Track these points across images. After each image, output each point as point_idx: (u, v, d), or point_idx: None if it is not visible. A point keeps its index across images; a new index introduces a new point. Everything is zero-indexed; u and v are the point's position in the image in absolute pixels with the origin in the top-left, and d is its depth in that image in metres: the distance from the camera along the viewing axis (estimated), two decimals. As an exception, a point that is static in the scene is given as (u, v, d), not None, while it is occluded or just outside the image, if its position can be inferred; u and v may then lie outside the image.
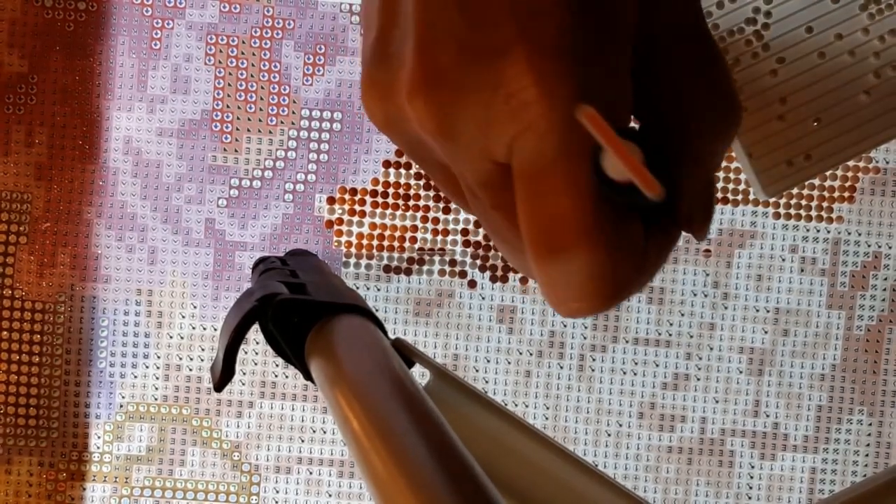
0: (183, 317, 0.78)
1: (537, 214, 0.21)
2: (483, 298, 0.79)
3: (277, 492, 0.79)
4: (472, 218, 0.78)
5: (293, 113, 0.78)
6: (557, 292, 0.22)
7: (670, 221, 0.23)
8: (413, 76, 0.21)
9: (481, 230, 0.79)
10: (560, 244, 0.21)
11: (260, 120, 0.78)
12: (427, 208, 0.78)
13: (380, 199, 0.78)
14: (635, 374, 0.80)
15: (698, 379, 0.80)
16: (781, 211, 0.79)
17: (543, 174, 0.20)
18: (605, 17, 0.20)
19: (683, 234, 0.24)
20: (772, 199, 0.78)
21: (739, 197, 0.79)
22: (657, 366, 0.80)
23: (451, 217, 0.78)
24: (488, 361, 0.79)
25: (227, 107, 0.77)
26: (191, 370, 0.79)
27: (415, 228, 0.78)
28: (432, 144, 0.22)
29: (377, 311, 0.78)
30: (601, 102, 0.19)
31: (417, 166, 0.77)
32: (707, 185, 0.24)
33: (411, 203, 0.78)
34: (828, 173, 0.78)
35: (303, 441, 0.79)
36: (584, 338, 0.79)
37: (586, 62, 0.20)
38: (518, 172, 0.21)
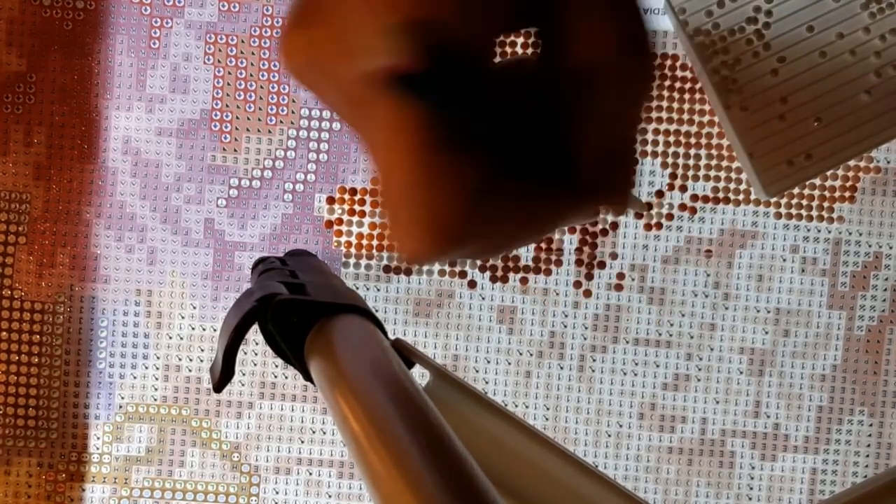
0: (182, 317, 0.78)
1: (371, 143, 0.21)
2: (483, 298, 0.79)
3: (277, 493, 0.79)
4: (472, 218, 0.78)
5: (293, 112, 0.77)
6: (392, 227, 0.22)
7: (568, 185, 0.22)
8: (292, 16, 0.22)
9: (481, 230, 0.78)
10: (389, 170, 0.21)
11: (259, 119, 0.77)
12: (427, 208, 0.78)
13: (380, 199, 0.78)
14: (636, 374, 0.80)
15: (699, 379, 0.80)
16: (782, 211, 0.79)
17: (372, 101, 0.21)
18: None
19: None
20: (773, 199, 0.78)
21: (741, 197, 0.79)
22: (657, 366, 0.79)
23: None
24: (488, 362, 0.79)
25: (227, 106, 0.77)
26: (190, 371, 0.78)
27: (415, 228, 0.78)
28: (307, 83, 0.23)
29: (377, 311, 0.78)
30: (436, 25, 0.19)
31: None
32: (616, 150, 0.22)
33: (411, 203, 0.78)
34: (828, 173, 0.77)
35: (302, 442, 0.79)
36: (585, 338, 0.79)
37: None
38: (357, 104, 0.22)
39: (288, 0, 0.24)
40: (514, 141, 0.21)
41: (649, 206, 0.75)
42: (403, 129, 0.20)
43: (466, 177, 0.20)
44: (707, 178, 0.78)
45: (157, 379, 0.78)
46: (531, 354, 0.79)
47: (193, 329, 0.78)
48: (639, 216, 0.76)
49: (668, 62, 0.76)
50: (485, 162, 0.21)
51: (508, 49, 0.75)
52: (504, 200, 0.21)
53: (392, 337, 0.44)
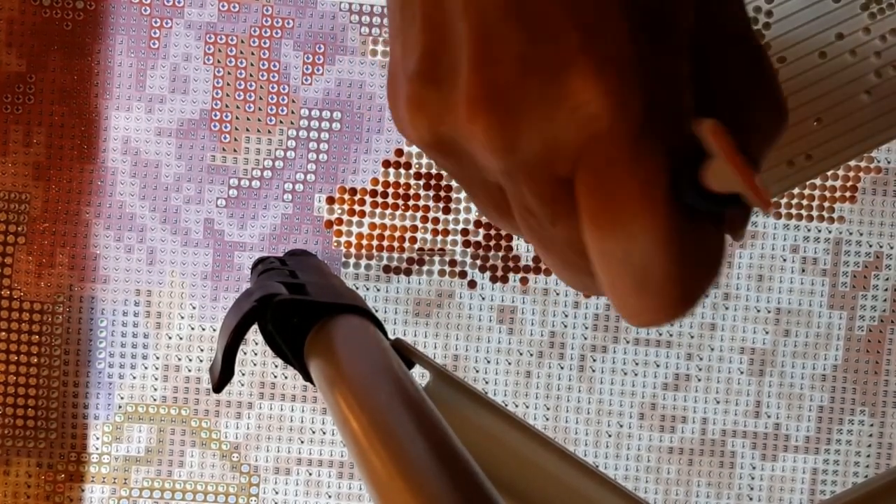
0: (182, 317, 0.78)
1: (602, 224, 0.20)
2: (483, 299, 0.79)
3: (277, 493, 0.79)
4: (471, 218, 0.78)
5: (292, 113, 0.77)
6: (631, 304, 0.21)
7: (716, 224, 0.23)
8: (473, 95, 0.20)
9: (481, 230, 0.78)
10: (631, 253, 0.20)
11: (259, 120, 0.77)
12: (427, 208, 0.78)
13: (379, 199, 0.78)
14: (636, 374, 0.79)
15: (699, 379, 0.80)
16: (783, 211, 0.79)
17: (614, 182, 0.20)
18: (665, 24, 0.20)
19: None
20: (773, 200, 0.78)
21: (740, 197, 0.79)
22: (658, 366, 0.79)
23: (451, 217, 0.78)
24: (488, 362, 0.79)
25: (226, 106, 0.77)
26: (190, 371, 0.78)
27: (415, 228, 0.78)
28: (488, 163, 0.22)
29: (377, 311, 0.78)
30: (666, 109, 0.20)
31: (455, 183, 0.77)
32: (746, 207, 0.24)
33: (411, 203, 0.78)
34: (829, 173, 0.77)
35: (302, 442, 0.79)
36: (585, 338, 0.79)
37: (650, 70, 0.20)
38: (585, 185, 0.21)
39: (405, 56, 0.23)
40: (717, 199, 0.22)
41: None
42: (660, 207, 0.20)
43: (714, 249, 0.21)
44: (707, 178, 0.78)
45: (156, 379, 0.78)
46: (531, 354, 0.79)
47: (193, 329, 0.78)
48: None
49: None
50: (716, 227, 0.22)
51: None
52: (715, 254, 0.22)
53: (392, 337, 0.44)
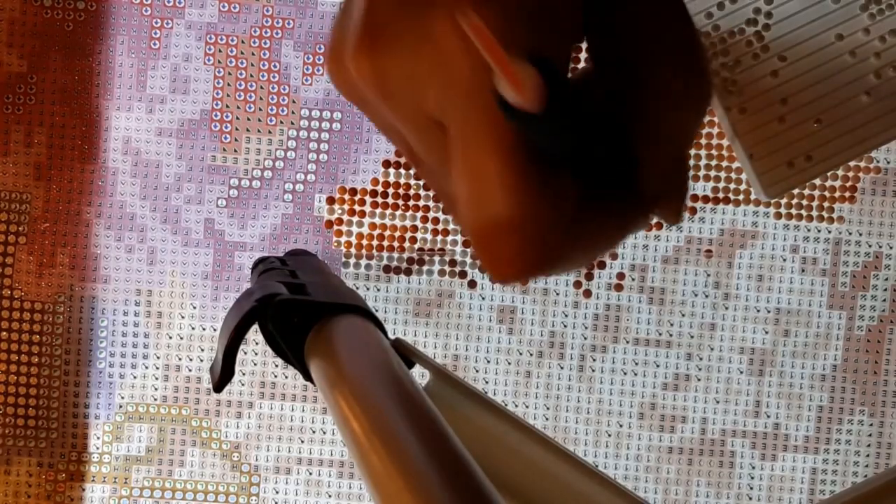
0: (182, 317, 0.78)
1: (464, 169, 0.21)
2: (483, 299, 0.79)
3: (277, 492, 0.79)
4: (472, 218, 0.78)
5: (293, 113, 0.78)
6: (485, 252, 0.22)
7: (633, 198, 0.23)
8: (356, 36, 0.21)
9: (481, 230, 0.78)
10: (483, 197, 0.21)
11: (259, 120, 0.77)
12: (427, 208, 0.78)
13: (380, 199, 0.78)
14: (636, 374, 0.80)
15: (699, 379, 0.80)
16: (782, 211, 0.79)
17: (468, 127, 0.20)
18: None
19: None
20: (773, 200, 0.78)
21: (741, 197, 0.79)
22: (658, 366, 0.79)
23: (451, 217, 0.78)
24: (488, 362, 0.79)
25: (227, 107, 0.77)
26: (190, 371, 0.79)
27: (415, 228, 0.78)
28: (378, 105, 0.22)
29: (377, 311, 0.78)
30: (529, 49, 0.19)
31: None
32: (676, 162, 0.23)
33: (411, 203, 0.78)
34: (828, 173, 0.77)
35: (302, 441, 0.79)
36: (585, 338, 0.79)
37: (514, 12, 0.20)
38: (448, 128, 0.21)
39: (336, 18, 0.23)
40: (591, 158, 0.21)
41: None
42: (505, 153, 0.20)
43: (564, 198, 0.21)
44: (707, 178, 0.79)
45: (157, 379, 0.78)
46: (531, 354, 0.79)
47: (193, 329, 0.78)
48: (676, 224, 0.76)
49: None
50: (573, 182, 0.21)
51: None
52: (587, 219, 0.22)
53: (392, 337, 0.44)
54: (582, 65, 0.22)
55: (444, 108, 0.21)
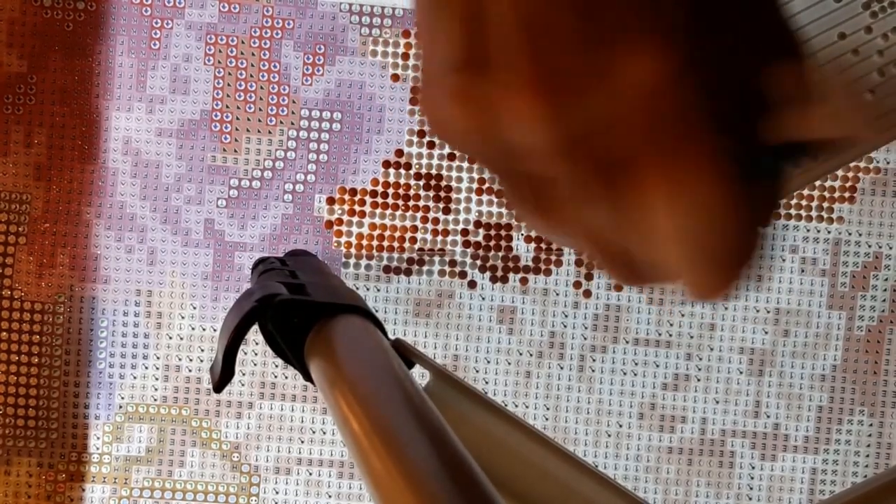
0: (182, 317, 0.78)
1: (671, 203, 0.20)
2: (483, 299, 0.79)
3: (277, 492, 0.79)
4: (471, 218, 0.78)
5: (293, 113, 0.78)
6: (703, 278, 0.22)
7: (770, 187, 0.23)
8: (530, 81, 0.20)
9: (481, 230, 0.78)
10: (700, 227, 0.21)
11: (259, 120, 0.77)
12: (427, 209, 0.78)
13: (380, 200, 0.78)
14: (635, 374, 0.80)
15: (698, 379, 0.80)
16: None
17: (676, 161, 0.20)
18: (722, 3, 0.20)
19: None
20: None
21: (740, 197, 0.79)
22: (657, 366, 0.79)
23: (451, 217, 0.78)
24: (488, 362, 0.79)
25: (227, 107, 0.77)
26: (190, 371, 0.79)
27: (415, 229, 0.78)
28: (535, 145, 0.21)
29: (377, 311, 0.78)
30: (728, 90, 0.20)
31: (455, 184, 0.77)
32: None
33: (411, 203, 0.78)
34: (828, 174, 0.77)
35: (302, 442, 0.79)
36: (585, 338, 0.79)
37: (711, 50, 0.20)
38: (651, 169, 0.20)
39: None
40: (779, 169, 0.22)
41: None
42: (727, 180, 0.20)
43: (765, 213, 0.22)
44: (707, 178, 0.78)
45: (157, 379, 0.78)
46: (531, 354, 0.79)
47: (193, 329, 0.78)
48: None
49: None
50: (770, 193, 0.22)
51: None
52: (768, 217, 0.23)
53: (392, 337, 0.44)
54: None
55: (637, 145, 0.20)
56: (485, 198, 0.78)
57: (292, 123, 0.78)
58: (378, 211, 0.78)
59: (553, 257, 0.79)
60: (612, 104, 0.20)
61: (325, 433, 0.79)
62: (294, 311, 0.46)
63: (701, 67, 0.20)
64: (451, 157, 0.78)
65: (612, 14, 0.19)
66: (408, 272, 0.79)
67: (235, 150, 0.78)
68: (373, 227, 0.78)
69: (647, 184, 0.21)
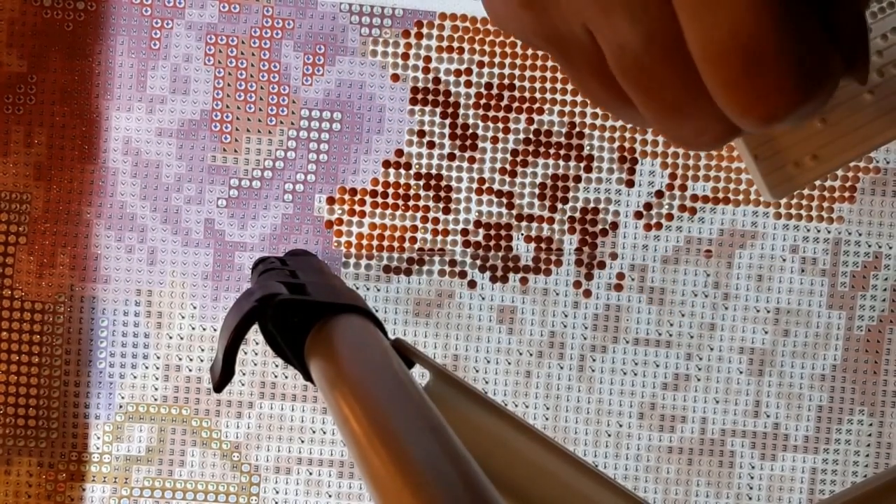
0: (182, 317, 0.78)
1: (713, 19, 0.20)
2: (483, 299, 0.79)
3: (277, 492, 0.79)
4: (471, 218, 0.78)
5: (293, 113, 0.78)
6: (738, 83, 0.20)
7: (837, 53, 0.22)
8: None
9: (481, 230, 0.78)
10: (743, 43, 0.20)
11: (259, 120, 0.77)
12: (427, 208, 0.78)
13: (380, 200, 0.78)
14: (635, 374, 0.80)
15: (699, 379, 0.80)
16: (782, 211, 0.79)
17: None
18: None
19: None
20: (776, 201, 0.78)
21: (740, 197, 0.79)
22: (657, 366, 0.79)
23: (451, 217, 0.78)
24: (488, 362, 0.79)
25: (227, 107, 0.77)
26: (190, 371, 0.79)
27: (415, 228, 0.78)
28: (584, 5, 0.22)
29: (377, 311, 0.78)
30: None
31: (455, 183, 0.77)
32: (859, 16, 0.23)
33: (411, 203, 0.78)
34: (829, 174, 0.77)
35: (302, 441, 0.79)
36: (585, 338, 0.79)
37: None
38: None
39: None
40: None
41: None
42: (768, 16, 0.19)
43: (812, 24, 0.20)
44: (707, 178, 0.79)
45: (157, 379, 0.78)
46: (531, 354, 0.79)
47: (193, 329, 0.78)
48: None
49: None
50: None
51: None
52: (821, 59, 0.21)
53: (392, 337, 0.44)
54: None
55: None
56: (485, 198, 0.78)
57: (292, 123, 0.78)
58: (378, 211, 0.78)
59: (553, 257, 0.79)
60: None
61: (325, 433, 0.79)
62: (294, 310, 0.46)
63: None
64: (451, 157, 0.78)
65: None
66: (408, 272, 0.79)
67: (235, 150, 0.78)
68: (373, 226, 0.78)
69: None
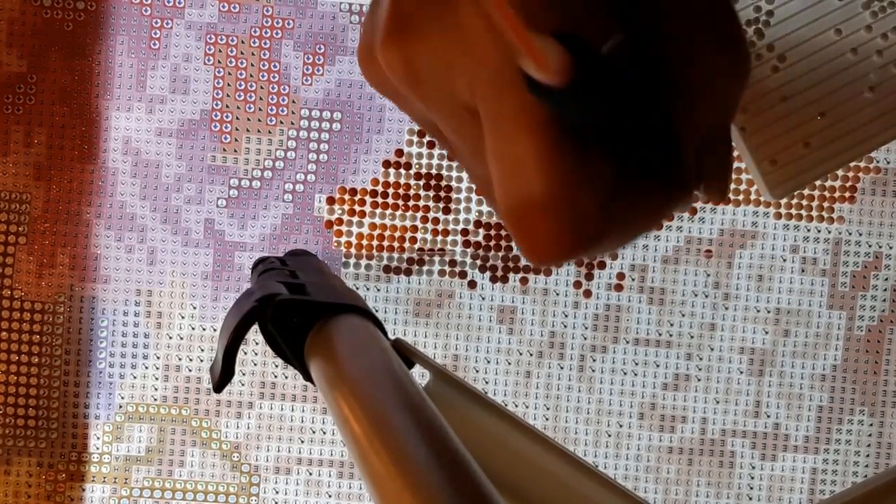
0: (182, 317, 0.78)
1: (496, 149, 0.21)
2: (483, 299, 0.79)
3: (277, 492, 0.79)
4: (471, 218, 0.78)
5: (293, 113, 0.78)
6: (522, 233, 0.21)
7: (675, 175, 0.22)
8: (384, 27, 0.22)
9: (481, 230, 0.78)
10: (518, 177, 0.20)
11: (259, 120, 0.77)
12: (427, 208, 0.78)
13: (379, 200, 0.78)
14: (636, 374, 0.80)
15: (699, 379, 0.80)
16: (782, 211, 0.79)
17: (499, 109, 0.20)
18: None
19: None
20: (777, 201, 0.78)
21: (741, 197, 0.79)
22: (658, 366, 0.79)
23: (451, 217, 0.78)
24: (488, 362, 0.79)
25: (227, 107, 0.77)
26: (190, 371, 0.78)
27: (415, 229, 0.78)
28: (409, 95, 0.22)
29: (377, 311, 0.78)
30: (558, 26, 0.20)
31: (454, 183, 0.77)
32: (718, 134, 0.23)
33: (411, 203, 0.78)
34: (829, 174, 0.77)
35: (302, 442, 0.79)
36: (585, 338, 0.79)
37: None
38: (480, 111, 0.21)
39: (366, 15, 0.23)
40: (626, 133, 0.21)
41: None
42: (538, 131, 0.20)
43: (600, 176, 0.21)
44: (707, 178, 0.78)
45: (157, 379, 0.78)
46: (531, 354, 0.79)
47: (193, 329, 0.78)
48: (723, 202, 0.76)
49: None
50: (609, 159, 0.21)
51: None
52: (626, 198, 0.22)
53: (392, 337, 0.44)
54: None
55: (474, 90, 0.21)
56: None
57: (292, 123, 0.78)
58: (378, 211, 0.78)
59: (553, 257, 0.79)
60: (447, 52, 0.21)
61: (325, 433, 0.79)
62: (294, 310, 0.46)
63: (535, 20, 0.20)
64: (451, 157, 0.78)
65: None
66: (408, 272, 0.79)
67: (235, 150, 0.78)
68: (373, 226, 0.78)
69: (483, 127, 0.21)
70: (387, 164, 0.78)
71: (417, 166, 0.78)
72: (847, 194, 0.79)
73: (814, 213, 0.79)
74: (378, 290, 0.79)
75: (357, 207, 0.78)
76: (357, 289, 0.78)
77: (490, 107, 0.21)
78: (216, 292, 0.78)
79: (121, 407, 0.79)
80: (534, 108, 0.20)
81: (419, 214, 0.78)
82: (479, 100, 0.21)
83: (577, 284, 0.79)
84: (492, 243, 0.79)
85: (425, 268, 0.79)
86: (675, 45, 0.21)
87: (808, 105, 0.42)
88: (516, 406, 0.80)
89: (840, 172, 0.79)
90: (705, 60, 0.22)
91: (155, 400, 0.79)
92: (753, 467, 0.80)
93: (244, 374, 0.79)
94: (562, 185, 0.20)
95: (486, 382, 0.79)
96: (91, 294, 0.78)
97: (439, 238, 0.78)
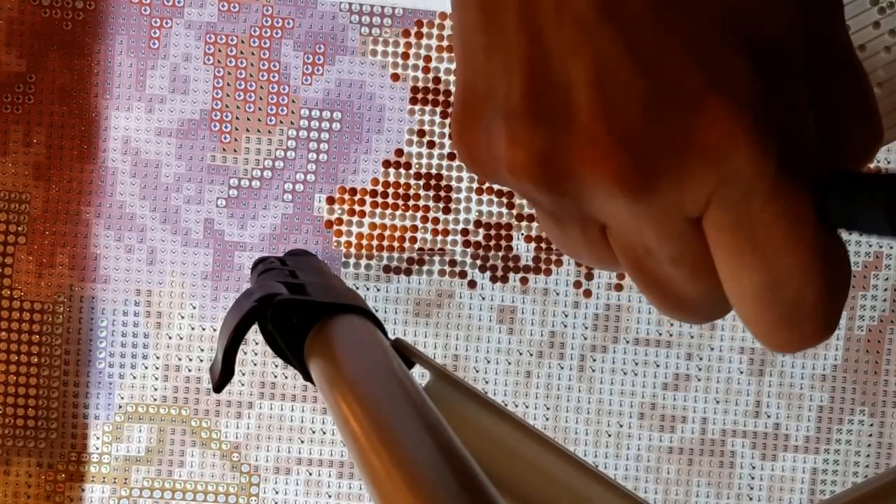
0: (182, 317, 0.78)
1: (756, 258, 0.20)
2: (483, 299, 0.79)
3: (277, 493, 0.79)
4: (471, 218, 0.78)
5: (292, 113, 0.77)
6: (786, 335, 0.21)
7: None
8: (599, 140, 0.20)
9: (481, 230, 0.78)
10: (783, 282, 0.20)
11: (259, 120, 0.77)
12: (427, 208, 0.78)
13: (379, 199, 0.78)
14: (636, 374, 0.79)
15: (699, 379, 0.80)
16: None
17: (757, 225, 0.20)
18: (781, 53, 0.20)
19: None
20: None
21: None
22: (658, 366, 0.79)
23: (451, 217, 0.78)
24: (488, 362, 0.79)
25: (227, 106, 0.77)
26: (190, 371, 0.78)
27: (415, 228, 0.78)
28: (611, 207, 0.21)
29: (377, 311, 0.78)
30: (798, 138, 0.19)
31: (457, 184, 0.77)
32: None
33: (411, 203, 0.78)
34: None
35: (302, 442, 0.79)
36: (585, 338, 0.79)
37: (778, 102, 0.20)
38: (721, 226, 0.20)
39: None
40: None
41: None
42: (810, 232, 0.20)
43: (846, 264, 0.21)
44: (707, 177, 0.78)
45: (156, 379, 0.78)
46: (531, 354, 0.79)
47: (193, 329, 0.78)
48: None
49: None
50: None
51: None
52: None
53: (392, 337, 0.44)
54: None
55: (714, 204, 0.20)
56: (485, 197, 0.78)
57: (292, 123, 0.77)
58: (378, 211, 0.78)
59: (553, 257, 0.79)
60: (687, 169, 0.20)
61: (325, 433, 0.79)
62: (294, 310, 0.46)
63: (781, 132, 0.19)
64: (451, 156, 0.78)
65: (685, 79, 0.19)
66: (408, 272, 0.79)
67: (235, 150, 0.77)
68: (373, 226, 0.78)
69: (717, 244, 0.20)
70: (387, 163, 0.78)
71: (417, 166, 0.78)
72: (847, 194, 0.79)
73: (814, 213, 0.79)
74: (378, 290, 0.79)
75: (357, 207, 0.78)
76: (357, 289, 0.78)
77: (744, 221, 0.20)
78: (216, 292, 0.78)
79: (120, 407, 0.79)
80: (805, 220, 0.20)
81: (419, 214, 0.78)
82: (723, 213, 0.20)
83: (577, 284, 0.79)
84: (492, 243, 0.78)
85: (425, 268, 0.79)
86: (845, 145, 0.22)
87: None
88: (516, 406, 0.79)
89: (840, 172, 0.78)
90: (856, 148, 0.22)
91: (155, 400, 0.79)
92: (754, 467, 0.80)
93: (244, 374, 0.79)
94: (829, 281, 0.21)
95: (486, 382, 0.79)
96: (91, 294, 0.78)
97: (439, 238, 0.78)
